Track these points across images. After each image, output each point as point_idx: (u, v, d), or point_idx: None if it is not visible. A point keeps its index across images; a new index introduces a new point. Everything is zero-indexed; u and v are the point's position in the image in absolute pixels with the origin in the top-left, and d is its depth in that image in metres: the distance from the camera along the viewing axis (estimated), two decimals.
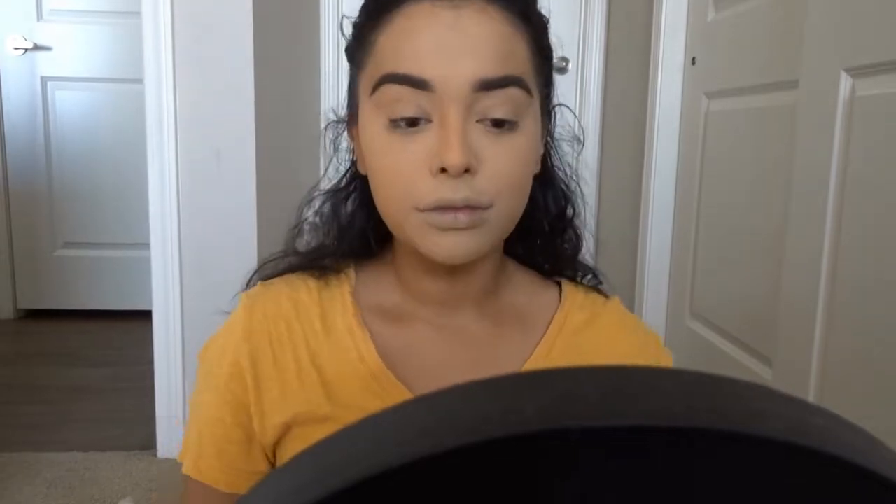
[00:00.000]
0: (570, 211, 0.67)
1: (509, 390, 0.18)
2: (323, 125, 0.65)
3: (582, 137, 0.69)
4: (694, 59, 1.98)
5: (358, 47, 0.57)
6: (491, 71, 0.51)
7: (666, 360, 0.67)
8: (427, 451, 0.16)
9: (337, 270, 0.63)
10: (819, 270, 1.24)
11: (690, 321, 2.00)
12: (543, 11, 0.59)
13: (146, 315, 1.79)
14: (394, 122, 0.52)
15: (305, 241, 0.67)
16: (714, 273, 1.86)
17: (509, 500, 0.17)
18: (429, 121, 0.52)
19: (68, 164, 2.79)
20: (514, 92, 0.52)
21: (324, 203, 0.66)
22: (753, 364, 1.62)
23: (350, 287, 0.62)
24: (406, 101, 0.51)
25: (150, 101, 1.65)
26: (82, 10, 2.71)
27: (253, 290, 0.62)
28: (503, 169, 0.52)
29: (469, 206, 0.51)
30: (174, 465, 1.74)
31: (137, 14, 1.66)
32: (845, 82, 1.18)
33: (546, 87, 0.59)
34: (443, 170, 0.50)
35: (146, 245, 1.73)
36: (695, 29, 1.98)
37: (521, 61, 0.53)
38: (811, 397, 1.27)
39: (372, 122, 0.54)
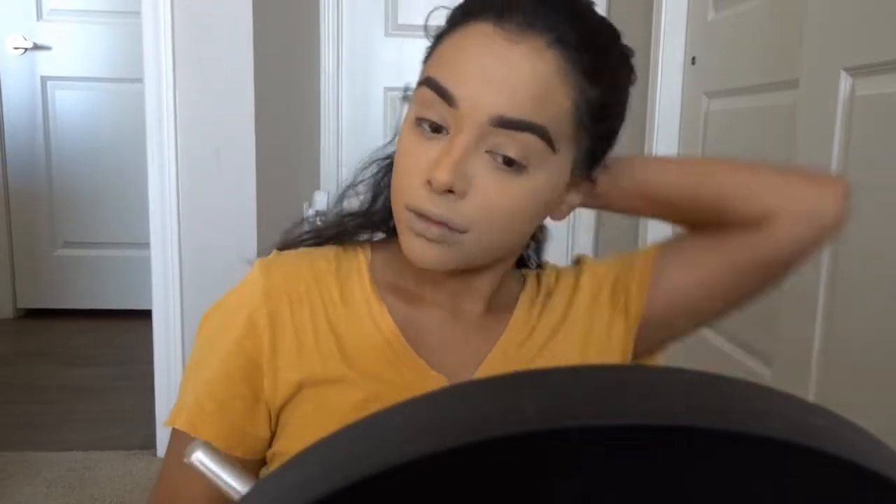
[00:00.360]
0: None
1: (510, 390, 0.18)
2: (401, 96, 0.67)
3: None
4: (694, 58, 1.98)
5: (432, 45, 0.59)
6: (514, 111, 0.51)
7: (590, 264, 0.70)
8: (428, 451, 0.16)
9: (353, 246, 0.65)
10: (819, 270, 1.24)
11: None
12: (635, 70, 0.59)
13: (146, 315, 1.79)
14: (419, 121, 0.55)
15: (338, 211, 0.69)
16: None
17: (510, 499, 0.17)
18: (448, 132, 0.54)
19: (68, 163, 2.79)
20: (530, 139, 0.52)
21: (379, 170, 0.67)
22: (753, 364, 1.62)
23: (366, 262, 0.64)
24: (433, 108, 0.54)
25: (150, 101, 1.65)
26: (82, 10, 2.71)
27: (268, 257, 0.63)
28: (492, 204, 0.53)
29: (443, 223, 0.53)
30: None
31: (137, 14, 1.66)
32: (845, 82, 1.18)
33: (594, 147, 0.57)
34: (430, 183, 0.52)
35: (146, 245, 1.73)
36: (695, 28, 1.98)
37: (554, 114, 0.53)
38: (811, 397, 1.27)
39: (409, 115, 0.57)
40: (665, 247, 0.67)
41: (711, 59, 1.89)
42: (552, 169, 0.54)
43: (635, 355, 0.67)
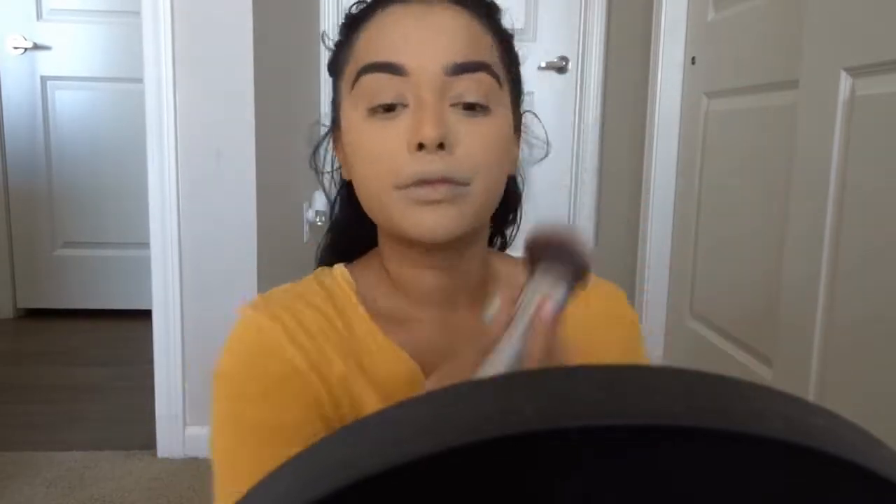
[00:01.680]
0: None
1: (509, 390, 0.18)
2: (313, 143, 0.67)
3: (547, 149, 0.71)
4: (694, 58, 1.98)
5: (337, 57, 0.60)
6: (462, 56, 0.54)
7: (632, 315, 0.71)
8: (427, 451, 0.16)
9: (328, 273, 0.62)
10: (819, 270, 1.24)
11: (690, 321, 2.00)
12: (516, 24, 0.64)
13: (146, 315, 1.79)
14: (372, 111, 0.55)
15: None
16: (714, 273, 1.86)
17: (509, 499, 0.17)
18: (405, 106, 0.54)
19: (68, 163, 2.79)
20: (483, 77, 0.55)
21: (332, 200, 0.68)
22: (753, 364, 1.62)
23: (353, 291, 0.61)
24: (384, 88, 0.54)
25: (150, 101, 1.65)
26: (82, 10, 2.71)
27: (258, 302, 0.58)
28: (478, 148, 0.54)
29: (446, 180, 0.53)
30: (174, 464, 1.74)
31: (137, 14, 1.66)
32: (845, 82, 1.18)
33: (516, 88, 0.61)
34: (420, 146, 0.52)
35: (146, 245, 1.73)
36: (695, 29, 1.98)
37: (489, 52, 0.57)
38: (811, 397, 1.27)
39: (352, 115, 0.57)
40: None
41: (711, 59, 1.89)
42: (504, 107, 0.57)
43: None
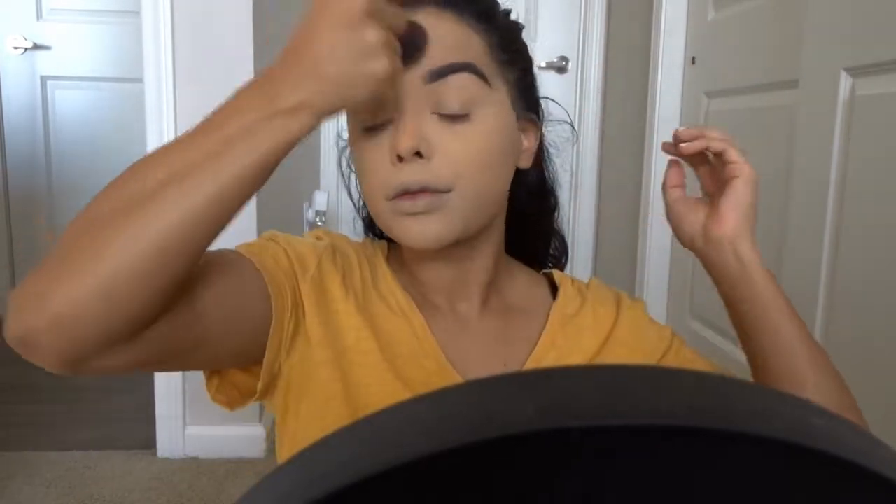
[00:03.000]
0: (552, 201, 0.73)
1: (511, 389, 0.18)
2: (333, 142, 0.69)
3: (574, 134, 0.72)
4: (694, 58, 1.98)
5: None
6: (439, 60, 0.55)
7: (639, 308, 0.71)
8: (427, 451, 0.16)
9: (371, 240, 0.68)
10: (819, 270, 1.24)
11: (690, 321, 2.00)
12: (521, 19, 0.64)
13: None
14: (365, 131, 0.57)
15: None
16: None
17: (510, 499, 0.17)
18: (391, 120, 0.56)
19: (68, 163, 2.79)
20: (465, 78, 0.55)
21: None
22: None
23: (384, 257, 0.65)
24: (372, 112, 0.56)
25: (150, 101, 1.65)
26: (82, 10, 2.71)
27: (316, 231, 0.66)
28: (458, 153, 0.55)
29: (426, 190, 0.54)
30: (174, 464, 1.75)
31: (137, 13, 1.66)
32: (845, 82, 1.18)
33: (522, 80, 0.61)
34: (400, 158, 0.54)
35: None
36: (695, 28, 1.98)
37: (474, 53, 0.57)
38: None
39: (352, 131, 0.59)
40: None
41: (711, 59, 1.89)
42: (495, 105, 0.57)
43: None
